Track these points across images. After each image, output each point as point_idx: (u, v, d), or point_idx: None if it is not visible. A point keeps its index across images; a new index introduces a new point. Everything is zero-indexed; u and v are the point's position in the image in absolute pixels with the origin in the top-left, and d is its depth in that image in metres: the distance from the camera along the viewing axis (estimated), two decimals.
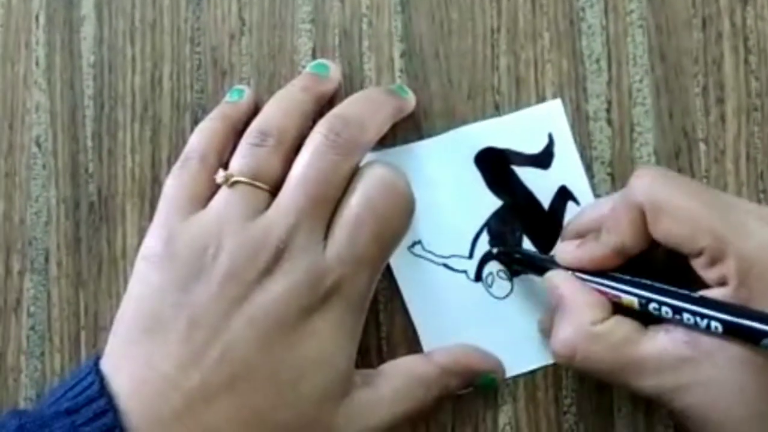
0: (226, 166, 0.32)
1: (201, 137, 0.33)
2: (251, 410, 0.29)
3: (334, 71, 0.34)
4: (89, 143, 0.36)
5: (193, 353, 0.29)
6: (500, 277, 0.34)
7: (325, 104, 0.34)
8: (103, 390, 0.28)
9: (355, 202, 0.30)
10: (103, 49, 0.36)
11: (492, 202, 0.34)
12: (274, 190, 0.31)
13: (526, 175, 0.34)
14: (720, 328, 0.27)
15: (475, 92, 0.35)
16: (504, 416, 0.34)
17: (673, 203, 0.29)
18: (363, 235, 0.30)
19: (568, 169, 0.34)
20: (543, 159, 0.34)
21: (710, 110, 0.34)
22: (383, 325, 0.34)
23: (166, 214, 0.31)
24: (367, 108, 0.32)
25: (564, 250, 0.32)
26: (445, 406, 0.34)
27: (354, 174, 0.31)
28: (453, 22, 0.35)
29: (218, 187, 0.31)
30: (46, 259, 0.35)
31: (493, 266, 0.34)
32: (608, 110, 0.34)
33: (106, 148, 0.36)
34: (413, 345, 0.34)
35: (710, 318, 0.27)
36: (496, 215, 0.34)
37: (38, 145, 0.36)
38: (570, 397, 0.34)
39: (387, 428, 0.31)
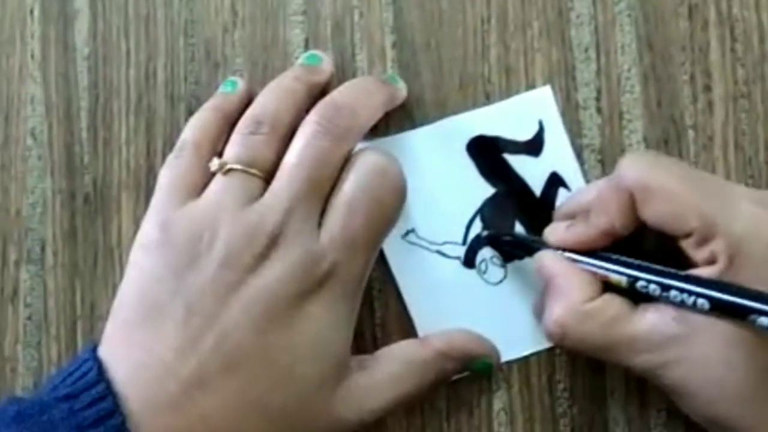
0: (220, 156, 0.32)
1: (195, 127, 0.33)
2: (248, 395, 0.29)
3: (326, 62, 0.35)
4: (84, 135, 0.36)
5: (189, 339, 0.29)
6: (494, 264, 0.34)
7: (318, 95, 0.34)
8: (101, 375, 0.29)
9: (348, 187, 0.31)
10: (97, 42, 0.36)
11: (484, 190, 0.34)
12: (269, 178, 0.31)
13: (518, 162, 0.35)
14: (706, 305, 0.28)
15: (466, 82, 0.35)
16: (498, 401, 0.34)
17: (662, 185, 0.29)
18: (357, 219, 0.30)
19: (558, 156, 0.34)
20: (534, 146, 0.35)
21: (698, 98, 0.35)
22: (378, 311, 0.34)
23: (162, 202, 0.31)
24: (360, 95, 0.33)
25: (553, 231, 0.32)
26: (440, 391, 0.34)
27: (347, 161, 0.31)
28: (444, 13, 0.36)
29: (213, 175, 0.32)
30: (42, 250, 0.36)
31: (486, 253, 0.34)
32: (598, 98, 0.35)
33: (101, 139, 0.36)
34: (408, 332, 0.34)
35: (697, 295, 0.28)
36: (489, 202, 0.34)
37: (34, 136, 0.36)
38: (563, 381, 0.34)
39: (383, 412, 0.31)
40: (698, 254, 0.29)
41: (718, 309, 0.27)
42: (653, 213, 0.30)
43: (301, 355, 0.30)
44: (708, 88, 0.35)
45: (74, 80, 0.36)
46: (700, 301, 0.28)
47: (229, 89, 0.34)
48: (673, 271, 0.29)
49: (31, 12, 0.37)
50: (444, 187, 0.34)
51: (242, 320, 0.29)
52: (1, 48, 0.36)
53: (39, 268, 0.36)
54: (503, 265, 0.34)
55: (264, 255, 0.30)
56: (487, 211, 0.34)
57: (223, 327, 0.29)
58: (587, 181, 0.35)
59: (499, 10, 0.36)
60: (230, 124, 0.33)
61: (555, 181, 0.34)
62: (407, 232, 0.34)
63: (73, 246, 0.36)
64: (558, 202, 0.34)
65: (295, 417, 0.30)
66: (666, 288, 0.29)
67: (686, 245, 0.29)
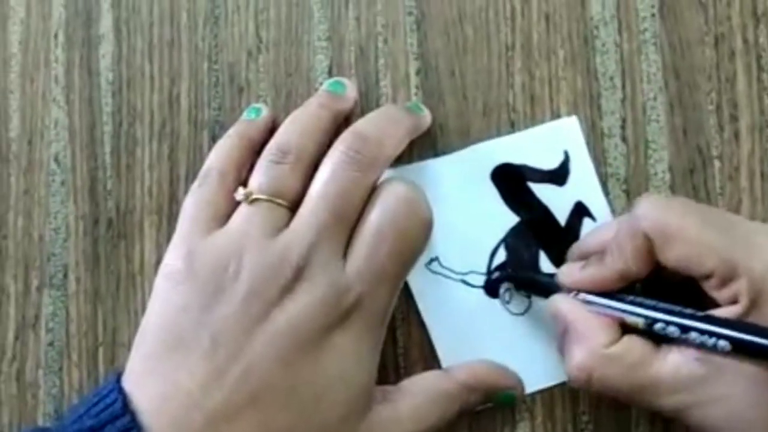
0: (244, 184, 0.32)
1: (219, 155, 0.33)
2: (272, 428, 0.29)
3: (350, 89, 0.35)
4: (108, 160, 0.36)
5: (215, 371, 0.29)
6: (518, 293, 0.34)
7: (342, 122, 0.34)
8: (126, 407, 0.29)
9: (374, 218, 0.31)
10: (121, 67, 0.36)
11: (509, 219, 0.34)
12: (294, 207, 0.31)
13: (543, 191, 0.34)
14: (728, 347, 0.27)
15: (490, 109, 0.35)
16: None
17: (680, 228, 0.29)
18: (383, 251, 0.30)
19: (584, 186, 0.34)
20: (559, 175, 0.34)
21: (724, 127, 0.35)
22: (400, 341, 0.34)
23: (186, 231, 0.31)
24: (385, 125, 0.33)
25: (567, 271, 0.32)
26: (463, 421, 0.34)
27: (373, 191, 0.31)
28: (468, 40, 0.36)
29: (237, 204, 0.31)
30: (65, 275, 0.36)
31: (510, 282, 0.34)
32: (623, 127, 0.35)
33: (124, 164, 0.36)
34: (431, 362, 0.34)
35: (717, 336, 0.27)
36: (513, 231, 0.34)
37: (57, 161, 0.36)
38: (588, 413, 0.34)
39: None
40: (720, 295, 0.29)
41: (740, 350, 0.27)
42: (672, 256, 0.29)
43: (326, 388, 0.30)
44: (734, 118, 0.34)
45: (98, 105, 0.36)
46: (721, 342, 0.27)
47: (253, 116, 0.34)
48: (691, 311, 0.29)
49: (56, 36, 0.37)
50: (468, 216, 0.34)
51: (268, 353, 0.29)
52: (25, 72, 0.37)
53: (61, 293, 0.36)
54: (527, 296, 0.34)
55: (289, 287, 0.30)
56: (511, 240, 0.34)
57: (249, 359, 0.29)
58: (612, 210, 0.34)
59: (523, 37, 0.35)
60: (254, 151, 0.33)
61: (580, 211, 0.34)
62: (431, 261, 0.34)
63: (96, 272, 0.36)
64: (583, 232, 0.34)
65: None
66: (685, 329, 0.28)
67: (707, 286, 0.29)
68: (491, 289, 0.34)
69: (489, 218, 0.34)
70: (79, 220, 0.36)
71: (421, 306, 0.34)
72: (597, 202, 0.34)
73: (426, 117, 0.35)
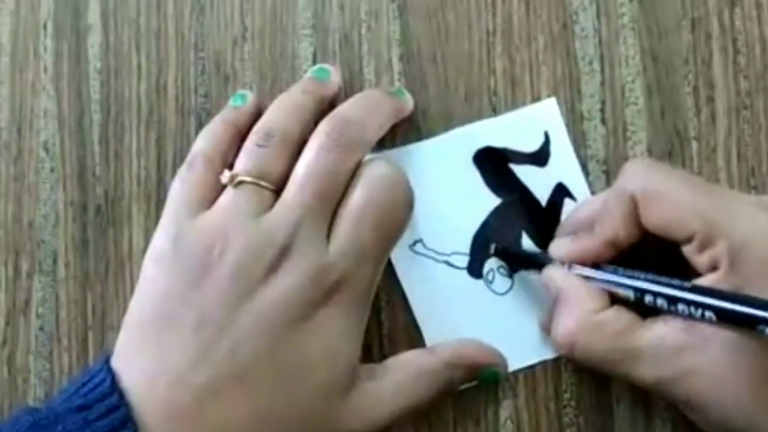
0: (231, 168, 0.32)
1: (206, 140, 0.34)
2: (258, 404, 0.30)
3: (334, 75, 0.35)
4: (96, 147, 0.37)
5: (201, 350, 0.29)
6: (501, 273, 0.35)
7: (326, 108, 0.34)
8: (114, 386, 0.29)
9: (357, 198, 0.31)
10: (109, 56, 0.37)
11: (491, 200, 0.35)
12: (278, 190, 0.32)
13: (524, 173, 0.35)
14: (714, 317, 0.28)
15: (471, 94, 0.36)
16: (505, 411, 0.34)
17: (663, 190, 0.30)
18: (365, 229, 0.31)
19: (564, 167, 0.35)
20: (540, 157, 0.35)
21: (701, 109, 0.35)
22: (385, 322, 0.35)
23: (173, 215, 0.32)
24: (368, 108, 0.33)
25: (558, 245, 0.33)
26: (447, 400, 0.34)
27: (355, 172, 0.32)
28: (450, 26, 0.36)
29: (223, 188, 0.32)
30: (54, 261, 0.36)
31: (493, 263, 0.35)
32: (602, 110, 0.35)
33: (112, 152, 0.36)
34: (415, 342, 0.34)
35: (704, 307, 0.28)
36: (496, 212, 0.35)
37: (46, 149, 0.37)
38: (570, 391, 0.34)
39: (390, 421, 0.31)
40: (700, 260, 0.29)
41: (726, 320, 0.28)
42: (655, 218, 0.30)
43: (311, 365, 0.30)
44: (711, 100, 0.35)
45: (86, 94, 0.37)
46: (708, 313, 0.28)
47: (239, 102, 0.35)
48: (678, 282, 0.29)
49: (45, 27, 0.37)
50: (451, 198, 0.35)
51: (253, 330, 0.30)
52: (14, 62, 0.37)
53: (51, 279, 0.36)
54: (510, 275, 0.35)
55: (274, 266, 0.30)
56: (493, 221, 0.35)
57: (235, 337, 0.30)
58: (592, 191, 0.35)
59: (504, 23, 0.36)
60: (240, 136, 0.34)
61: (561, 191, 0.35)
62: (415, 242, 0.35)
63: (85, 257, 0.36)
64: (564, 212, 0.35)
65: (304, 426, 0.30)
66: (673, 301, 0.29)
67: (688, 251, 0.30)
68: (476, 269, 0.35)
69: (471, 200, 0.35)
70: (69, 206, 0.36)
71: (405, 287, 0.34)
72: (577, 184, 0.35)
73: (409, 101, 0.35)
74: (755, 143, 0.35)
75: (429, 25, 0.36)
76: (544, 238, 0.34)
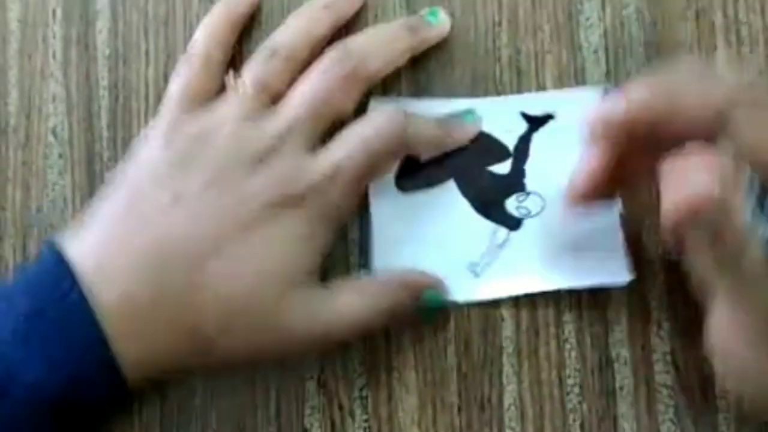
0: (230, 62, 0.35)
1: (205, 34, 0.35)
2: (219, 293, 0.31)
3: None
4: (104, 133, 0.37)
5: (168, 225, 0.31)
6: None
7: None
8: (59, 256, 0.30)
9: (360, 127, 0.33)
10: (117, 43, 0.37)
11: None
12: (277, 103, 0.33)
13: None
14: None
15: (477, 83, 0.36)
16: (509, 396, 0.35)
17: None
18: (356, 156, 0.32)
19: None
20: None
21: None
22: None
23: (169, 108, 0.33)
24: (378, 42, 0.35)
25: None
26: (451, 386, 0.34)
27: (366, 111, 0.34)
28: (455, 16, 0.36)
29: (221, 85, 0.34)
30: None
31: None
32: None
33: (120, 137, 0.37)
34: None
35: None
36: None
37: (55, 135, 0.37)
38: (573, 377, 0.34)
39: (336, 336, 0.33)
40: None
41: None
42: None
43: (269, 255, 0.31)
44: None
45: (95, 80, 0.37)
46: None
47: None
48: None
49: (54, 13, 0.37)
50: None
51: (222, 218, 0.31)
52: (23, 48, 0.37)
53: None
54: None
55: (255, 165, 0.32)
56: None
57: (204, 220, 0.31)
58: None
59: (509, 13, 0.36)
60: (239, 29, 0.35)
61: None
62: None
63: None
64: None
65: (247, 307, 0.31)
66: None
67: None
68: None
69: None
70: (77, 191, 0.37)
71: (372, 207, 0.35)
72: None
73: (438, 28, 0.36)
74: None
75: None
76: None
